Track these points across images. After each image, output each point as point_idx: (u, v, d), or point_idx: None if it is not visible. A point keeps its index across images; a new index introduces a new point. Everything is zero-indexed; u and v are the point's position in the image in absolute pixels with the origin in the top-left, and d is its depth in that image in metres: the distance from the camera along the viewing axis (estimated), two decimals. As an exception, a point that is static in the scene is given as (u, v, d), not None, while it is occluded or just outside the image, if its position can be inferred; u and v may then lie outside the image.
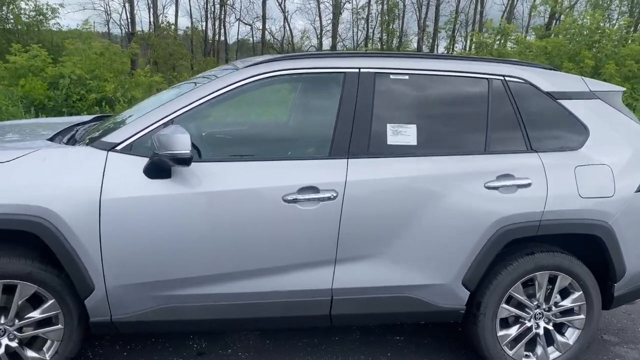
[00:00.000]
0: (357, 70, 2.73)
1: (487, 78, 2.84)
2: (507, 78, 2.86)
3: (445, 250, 2.68)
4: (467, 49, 27.82)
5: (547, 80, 2.93)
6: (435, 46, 29.54)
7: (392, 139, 2.68)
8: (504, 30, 13.15)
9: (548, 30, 20.76)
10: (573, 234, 2.82)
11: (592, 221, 2.77)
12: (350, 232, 2.57)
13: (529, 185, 2.71)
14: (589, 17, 13.65)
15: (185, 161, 2.32)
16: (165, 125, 2.48)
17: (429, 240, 2.65)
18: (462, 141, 2.78)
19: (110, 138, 2.49)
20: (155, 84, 11.65)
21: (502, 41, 14.08)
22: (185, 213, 2.43)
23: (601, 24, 12.69)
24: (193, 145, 2.54)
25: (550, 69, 3.19)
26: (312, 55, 2.87)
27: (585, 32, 11.98)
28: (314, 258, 2.58)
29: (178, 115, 2.53)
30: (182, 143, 2.27)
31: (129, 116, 2.90)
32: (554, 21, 24.25)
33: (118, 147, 2.45)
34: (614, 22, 14.66)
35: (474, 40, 13.84)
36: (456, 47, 29.53)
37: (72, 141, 2.77)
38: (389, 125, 2.69)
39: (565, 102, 2.88)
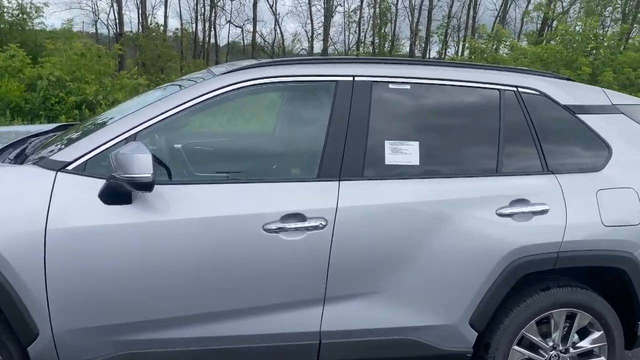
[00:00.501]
0: (350, 78, 2.38)
1: (497, 89, 2.50)
2: (520, 89, 2.52)
3: (451, 286, 2.33)
4: (460, 54, 27.67)
5: (564, 92, 2.60)
6: (428, 51, 29.33)
7: (390, 158, 2.33)
8: (499, 36, 12.89)
9: (541, 37, 20.61)
10: (594, 267, 2.50)
11: (615, 252, 2.45)
12: (341, 266, 2.22)
13: (545, 212, 2.38)
14: (581, 23, 13.47)
15: (145, 186, 1.96)
16: (126, 141, 2.11)
17: (433, 275, 2.31)
18: (470, 161, 2.44)
19: (61, 156, 2.12)
20: (140, 86, 11.24)
21: (496, 47, 13.84)
22: (148, 245, 2.07)
23: (597, 31, 12.49)
24: (160, 164, 2.19)
25: (567, 79, 2.86)
26: (300, 61, 2.52)
27: (579, 39, 11.76)
28: (299, 296, 2.22)
29: (142, 130, 2.16)
30: (142, 165, 1.90)
31: (90, 127, 2.53)
32: (547, 27, 24.12)
33: (69, 167, 2.07)
34: (607, 28, 14.42)
35: (467, 45, 13.53)
36: (448, 52, 29.36)
37: (21, 157, 2.39)
38: (387, 142, 2.35)
39: (585, 117, 2.56)
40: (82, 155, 2.09)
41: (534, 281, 2.47)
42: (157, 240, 2.07)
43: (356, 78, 2.40)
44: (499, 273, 2.33)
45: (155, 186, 2.00)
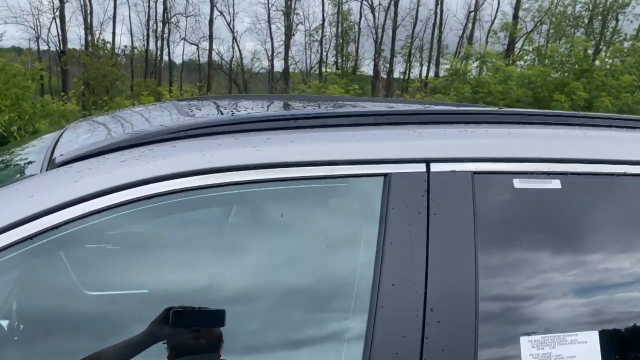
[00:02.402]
0: (423, 165, 0.86)
1: None
2: None
3: None
4: (426, 74, 26.80)
5: None
6: (392, 71, 28.34)
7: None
8: (485, 56, 11.76)
9: (507, 57, 19.82)
10: None
11: None
12: None
13: None
14: (564, 45, 12.54)
15: None
16: None
17: None
18: None
19: None
20: (71, 113, 9.43)
21: (480, 68, 12.76)
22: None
23: (588, 51, 11.56)
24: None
25: None
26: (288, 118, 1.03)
27: (572, 61, 10.73)
28: None
29: None
30: None
31: None
32: (513, 47, 23.49)
33: None
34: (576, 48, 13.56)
35: (450, 66, 12.39)
36: (413, 72, 28.49)
37: None
38: (524, 338, 0.83)
39: None
40: None
41: None
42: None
43: (434, 166, 0.88)
44: None
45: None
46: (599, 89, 10.40)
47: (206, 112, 1.40)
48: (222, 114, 1.36)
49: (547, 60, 11.90)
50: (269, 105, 1.59)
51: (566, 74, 10.61)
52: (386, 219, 0.98)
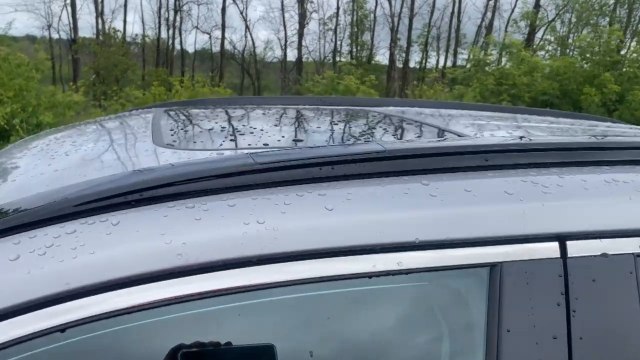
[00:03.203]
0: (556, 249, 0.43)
1: None
2: None
3: None
4: (444, 64, 26.13)
5: None
6: (408, 60, 27.66)
7: None
8: (508, 46, 11.15)
9: (528, 46, 19.13)
10: None
11: None
12: None
13: None
14: (590, 35, 11.92)
15: None
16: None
17: None
18: None
19: None
20: (76, 105, 9.09)
21: (499, 59, 12.17)
22: None
23: (620, 42, 10.93)
24: None
25: None
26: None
27: (601, 51, 10.11)
28: None
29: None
30: None
31: None
32: (533, 36, 22.74)
33: None
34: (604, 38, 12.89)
35: (471, 57, 11.82)
36: (429, 62, 27.80)
37: None
38: None
39: None
40: None
41: None
42: None
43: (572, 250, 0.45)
44: None
45: None
46: (631, 81, 9.79)
47: (196, 136, 0.97)
48: (214, 145, 0.93)
49: (570, 50, 11.27)
50: (278, 120, 1.16)
51: (596, 65, 10.00)
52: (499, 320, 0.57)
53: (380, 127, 1.14)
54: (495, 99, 10.39)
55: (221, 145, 0.87)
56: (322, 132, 1.02)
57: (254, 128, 1.03)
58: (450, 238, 0.58)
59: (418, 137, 0.99)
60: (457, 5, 26.41)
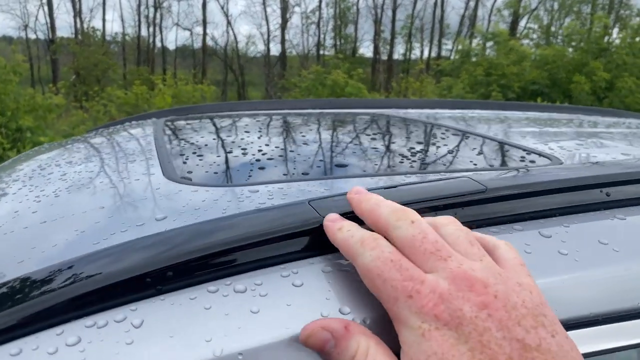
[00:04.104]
0: None
1: None
2: None
3: None
4: (429, 55, 26.03)
5: None
6: (393, 52, 27.52)
7: None
8: (499, 35, 11.01)
9: (513, 36, 19.12)
10: None
11: None
12: None
13: None
14: (574, 22, 11.86)
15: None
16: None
17: None
18: None
19: None
20: (57, 108, 8.78)
21: (483, 48, 12.04)
22: None
23: (608, 30, 10.88)
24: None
25: None
26: None
27: (590, 39, 10.05)
28: None
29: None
30: None
31: None
32: (517, 25, 22.73)
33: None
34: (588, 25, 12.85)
35: (459, 47, 11.68)
36: (414, 53, 27.68)
37: None
38: None
39: None
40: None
41: None
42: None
43: None
44: None
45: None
46: (620, 68, 9.76)
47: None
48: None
49: (554, 38, 11.21)
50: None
51: (585, 53, 9.94)
52: None
53: (425, 141, 0.97)
54: (484, 90, 10.29)
55: (250, 177, 0.69)
56: (370, 153, 0.85)
57: (280, 148, 0.85)
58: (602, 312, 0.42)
59: (494, 159, 0.83)
60: (440, -5, 26.30)
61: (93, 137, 1.13)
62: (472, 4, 25.95)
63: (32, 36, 25.52)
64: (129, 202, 0.61)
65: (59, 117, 9.76)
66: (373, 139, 0.98)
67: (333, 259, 0.44)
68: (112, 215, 0.57)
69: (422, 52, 28.07)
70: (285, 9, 27.15)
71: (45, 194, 0.68)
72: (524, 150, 0.86)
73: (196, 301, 0.39)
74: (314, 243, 0.45)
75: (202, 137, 0.97)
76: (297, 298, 0.40)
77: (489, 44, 11.44)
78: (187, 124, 1.14)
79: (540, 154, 0.82)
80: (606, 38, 10.71)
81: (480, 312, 0.33)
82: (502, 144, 0.92)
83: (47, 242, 0.53)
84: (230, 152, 0.82)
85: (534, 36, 18.55)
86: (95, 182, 0.70)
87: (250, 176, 0.69)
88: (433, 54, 26.66)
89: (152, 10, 26.46)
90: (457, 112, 1.56)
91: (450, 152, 0.85)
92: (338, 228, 0.43)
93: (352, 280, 0.42)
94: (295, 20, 28.74)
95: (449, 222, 0.42)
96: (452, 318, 0.33)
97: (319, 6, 27.26)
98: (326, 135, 1.01)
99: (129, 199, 0.62)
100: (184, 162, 0.75)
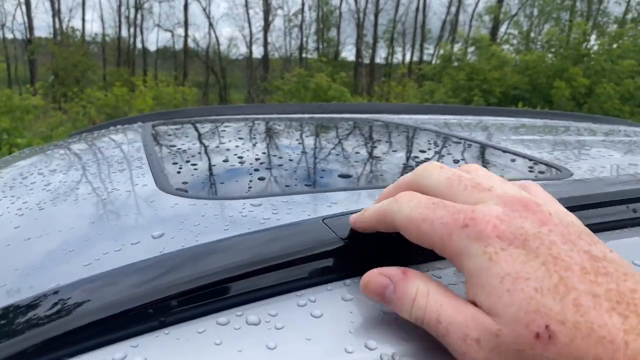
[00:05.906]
0: None
1: None
2: None
3: None
4: (410, 59, 26.19)
5: None
6: (375, 57, 27.64)
7: None
8: (481, 40, 11.09)
9: (493, 42, 19.36)
10: None
11: None
12: None
13: None
14: (554, 29, 12.02)
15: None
16: None
17: None
18: None
19: None
20: (35, 109, 8.60)
21: (464, 53, 12.13)
22: None
23: (587, 36, 11.04)
24: None
25: None
26: None
27: (570, 45, 10.19)
28: None
29: None
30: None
31: None
32: (498, 31, 23.03)
33: None
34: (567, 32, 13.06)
35: (441, 52, 11.74)
36: (396, 57, 27.84)
37: None
38: None
39: None
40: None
41: None
42: None
43: None
44: None
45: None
46: (598, 74, 9.92)
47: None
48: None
49: (533, 44, 11.34)
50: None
51: (564, 59, 10.08)
52: None
53: (427, 149, 0.94)
54: (466, 94, 10.36)
55: (250, 188, 0.65)
56: (376, 162, 0.81)
57: (279, 157, 0.81)
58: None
59: (502, 170, 0.79)
60: (421, 0, 26.52)
61: (77, 142, 1.07)
62: (453, 9, 26.21)
63: (9, 36, 25.04)
64: (121, 217, 0.56)
65: (37, 118, 9.56)
66: (376, 146, 0.94)
67: (352, 285, 0.40)
68: (104, 232, 0.53)
69: (404, 56, 28.25)
70: (267, 12, 27.09)
71: (28, 207, 0.63)
72: (531, 160, 0.83)
73: (205, 335, 0.35)
74: (332, 267, 0.41)
75: (194, 143, 0.92)
76: (317, 331, 0.36)
77: (471, 49, 11.53)
78: (177, 129, 1.09)
79: (547, 164, 0.80)
80: (585, 44, 10.89)
81: (542, 228, 0.33)
82: (507, 153, 0.89)
83: (30, 263, 0.48)
84: (227, 160, 0.78)
85: (514, 42, 18.77)
86: (83, 194, 0.65)
87: (250, 187, 0.65)
88: (415, 58, 26.85)
89: (132, 11, 26.17)
90: (452, 118, 1.54)
91: (455, 161, 0.82)
92: (362, 212, 0.41)
93: (376, 310, 0.38)
94: (277, 23, 28.72)
95: (477, 167, 0.41)
96: (516, 236, 0.32)
97: (302, 9, 27.27)
98: (327, 143, 0.97)
99: (120, 213, 0.57)
100: (178, 172, 0.71)
